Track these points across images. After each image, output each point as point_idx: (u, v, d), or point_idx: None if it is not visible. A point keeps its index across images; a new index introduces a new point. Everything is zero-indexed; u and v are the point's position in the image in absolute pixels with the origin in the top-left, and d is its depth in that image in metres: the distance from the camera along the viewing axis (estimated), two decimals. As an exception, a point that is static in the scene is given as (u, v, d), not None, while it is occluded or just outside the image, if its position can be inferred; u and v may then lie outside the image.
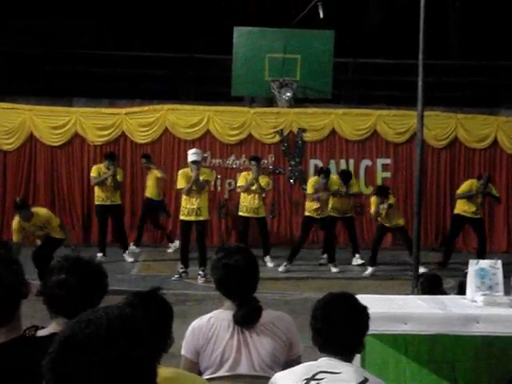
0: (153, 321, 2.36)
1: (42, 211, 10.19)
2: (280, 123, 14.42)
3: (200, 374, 3.33)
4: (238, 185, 12.62)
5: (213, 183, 13.39)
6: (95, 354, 1.42)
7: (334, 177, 12.60)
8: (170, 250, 13.31)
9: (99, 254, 12.07)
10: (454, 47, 19.66)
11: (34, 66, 15.90)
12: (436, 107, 14.22)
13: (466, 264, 4.71)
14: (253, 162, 12.28)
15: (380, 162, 14.68)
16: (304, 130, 14.48)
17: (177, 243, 13.25)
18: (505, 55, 16.23)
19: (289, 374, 2.89)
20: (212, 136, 14.39)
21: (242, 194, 12.32)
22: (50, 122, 14.12)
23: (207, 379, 3.19)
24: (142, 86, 16.20)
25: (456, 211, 12.67)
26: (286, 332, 3.38)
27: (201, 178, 10.79)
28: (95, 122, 14.20)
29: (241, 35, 14.70)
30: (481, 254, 11.55)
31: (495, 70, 16.88)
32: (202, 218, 10.95)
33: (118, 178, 12.22)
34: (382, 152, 14.69)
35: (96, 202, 12.50)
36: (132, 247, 13.19)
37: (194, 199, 10.85)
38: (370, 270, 11.75)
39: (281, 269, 11.86)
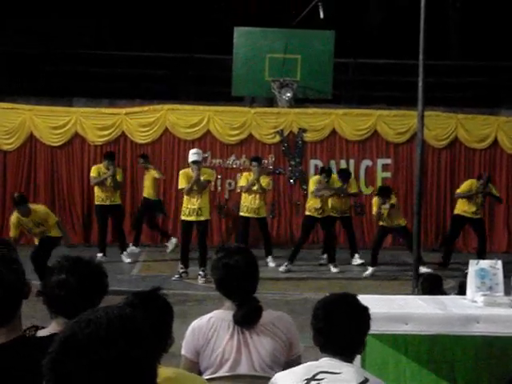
0: (153, 321, 2.36)
1: (40, 208, 10.25)
2: (280, 123, 14.42)
3: (200, 373, 3.33)
4: (240, 185, 12.63)
5: (213, 183, 13.38)
6: (95, 354, 1.42)
7: (335, 176, 12.61)
8: (169, 249, 13.30)
9: (99, 254, 12.07)
10: (454, 47, 19.66)
11: (34, 66, 15.90)
12: (436, 107, 14.22)
13: (466, 264, 4.71)
14: (254, 163, 12.28)
15: (380, 162, 14.68)
16: (304, 130, 14.48)
17: (173, 240, 13.30)
18: (505, 55, 16.23)
19: (289, 374, 2.89)
20: (212, 136, 14.39)
21: (243, 195, 12.33)
22: (50, 122, 14.12)
23: (207, 379, 3.19)
24: (142, 86, 16.20)
25: (456, 211, 12.66)
26: (286, 332, 3.38)
27: (202, 178, 10.79)
28: (95, 122, 14.20)
29: (241, 35, 14.71)
30: (481, 254, 11.55)
31: (495, 71, 16.88)
32: (202, 218, 10.95)
33: (118, 177, 12.22)
34: (383, 152, 14.69)
35: (96, 202, 12.50)
36: (132, 247, 13.20)
37: (195, 199, 10.85)
38: (370, 270, 11.75)
39: (281, 269, 11.86)
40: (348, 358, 2.90)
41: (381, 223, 11.85)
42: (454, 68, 17.08)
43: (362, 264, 12.34)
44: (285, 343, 3.36)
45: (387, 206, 11.56)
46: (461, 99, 15.49)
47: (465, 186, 12.54)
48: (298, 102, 14.71)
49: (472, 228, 12.97)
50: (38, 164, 14.22)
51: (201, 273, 10.84)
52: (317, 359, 2.91)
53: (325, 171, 12.26)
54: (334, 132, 14.56)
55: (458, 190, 12.71)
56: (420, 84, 8.97)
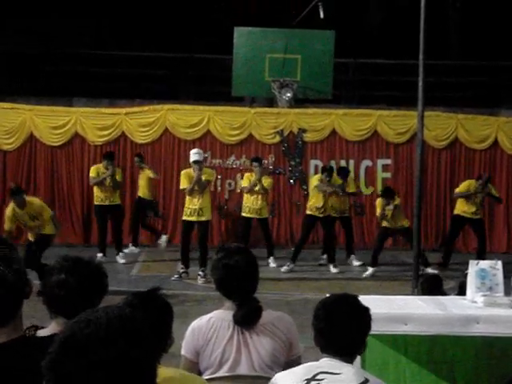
0: (153, 321, 2.36)
1: (35, 200, 10.30)
2: (280, 123, 14.43)
3: (200, 374, 3.33)
4: (242, 186, 12.65)
5: (213, 183, 13.39)
6: (95, 354, 1.42)
7: (336, 176, 12.61)
8: (162, 246, 13.31)
9: (99, 255, 12.07)
10: (454, 47, 19.67)
11: (34, 66, 15.90)
12: (436, 107, 14.22)
13: (466, 264, 4.71)
14: (255, 164, 12.29)
15: (380, 162, 14.68)
16: (304, 131, 14.49)
17: (164, 237, 13.35)
18: (505, 55, 16.23)
19: (289, 375, 2.89)
20: (212, 136, 14.39)
21: (245, 195, 12.35)
22: (50, 122, 14.13)
23: (207, 379, 3.19)
24: (142, 86, 16.20)
25: (456, 212, 12.66)
26: (286, 332, 3.38)
27: (203, 178, 10.80)
28: (95, 122, 14.20)
29: (241, 35, 14.71)
30: (481, 255, 11.54)
31: (495, 71, 16.88)
32: (203, 219, 10.95)
33: (117, 177, 12.22)
34: (383, 152, 14.69)
35: (95, 203, 12.49)
36: (131, 247, 13.22)
37: (196, 199, 10.86)
38: (370, 270, 11.75)
39: (283, 269, 11.87)
40: (348, 358, 2.90)
41: (384, 224, 11.84)
42: (454, 68, 17.08)
43: (362, 264, 12.35)
44: (285, 343, 3.36)
45: (391, 207, 11.55)
46: (461, 99, 15.49)
47: (463, 186, 12.54)
48: (298, 102, 14.71)
49: (472, 228, 12.96)
50: (38, 164, 14.22)
51: (200, 273, 10.84)
52: (317, 359, 2.91)
53: (326, 170, 12.27)
54: (334, 132, 14.56)
55: (457, 190, 12.73)
56: (420, 84, 8.97)
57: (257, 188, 12.11)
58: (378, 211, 11.83)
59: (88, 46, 17.05)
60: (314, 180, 12.25)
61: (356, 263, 12.56)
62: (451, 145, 14.69)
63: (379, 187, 14.54)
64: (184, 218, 11.11)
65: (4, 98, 14.32)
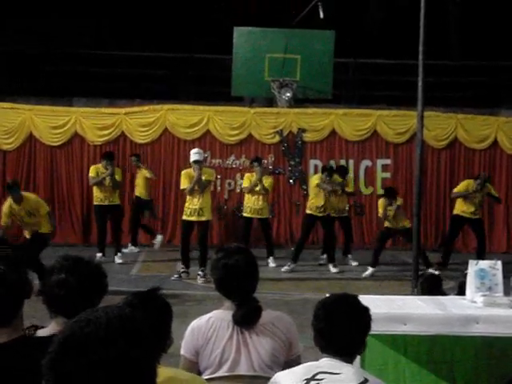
0: (152, 321, 2.36)
1: (32, 196, 10.34)
2: (280, 123, 14.43)
3: (199, 373, 3.33)
4: (243, 186, 12.66)
5: (212, 183, 13.39)
6: (94, 354, 1.42)
7: (336, 176, 12.60)
8: (157, 246, 13.33)
9: (99, 254, 12.06)
10: (454, 47, 19.67)
11: (34, 66, 15.90)
12: (436, 107, 14.22)
13: (466, 264, 4.71)
14: (255, 164, 12.30)
15: (380, 162, 14.68)
16: (304, 131, 14.49)
17: (159, 237, 13.37)
18: (505, 55, 16.23)
19: (289, 374, 2.89)
20: (212, 136, 14.39)
21: (246, 195, 12.36)
22: (50, 122, 14.13)
23: (206, 379, 3.19)
24: (142, 86, 16.20)
25: (455, 212, 12.67)
26: (286, 332, 3.38)
27: (203, 178, 10.80)
28: (95, 121, 14.20)
29: (241, 35, 14.71)
30: (480, 255, 11.53)
31: (495, 71, 16.88)
32: (203, 219, 10.95)
33: (117, 177, 12.21)
34: (382, 152, 14.70)
35: (94, 203, 12.48)
36: (131, 247, 13.24)
37: (196, 199, 10.86)
38: (370, 270, 11.74)
39: (284, 269, 11.87)
40: (348, 358, 2.90)
41: (386, 224, 11.84)
42: (453, 68, 17.09)
43: (357, 265, 12.39)
44: (284, 343, 3.36)
45: (393, 207, 11.54)
46: (460, 99, 15.50)
47: (462, 185, 12.55)
48: (297, 102, 14.72)
49: (471, 228, 12.96)
50: (38, 164, 14.22)
51: (200, 273, 10.84)
52: (317, 359, 2.91)
53: (326, 170, 12.27)
54: (333, 132, 14.56)
55: (455, 190, 12.74)
56: (420, 84, 8.97)
57: (257, 188, 12.12)
58: (380, 211, 11.83)
59: (88, 46, 17.05)
60: (315, 179, 12.25)
61: (352, 263, 12.57)
62: (451, 145, 14.69)
63: (379, 187, 14.56)
64: (184, 217, 11.11)
65: (4, 97, 14.32)
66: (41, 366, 1.46)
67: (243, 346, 3.32)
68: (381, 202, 11.91)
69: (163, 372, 2.61)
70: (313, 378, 2.76)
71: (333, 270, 11.94)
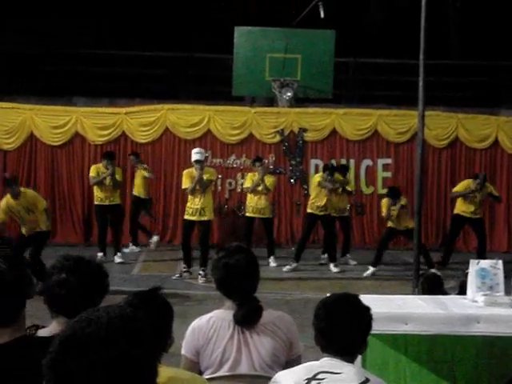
0: (153, 320, 2.36)
1: (29, 191, 10.36)
2: (281, 123, 14.42)
3: (200, 373, 3.32)
4: (245, 186, 12.66)
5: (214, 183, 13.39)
6: (95, 354, 1.42)
7: (338, 175, 12.60)
8: (152, 246, 13.30)
9: (99, 254, 12.07)
10: (454, 47, 19.67)
11: (35, 66, 15.90)
12: (437, 107, 14.22)
13: (467, 264, 4.71)
14: (257, 164, 12.31)
15: (381, 161, 14.68)
16: (305, 130, 14.48)
17: (155, 237, 13.36)
18: (505, 55, 16.23)
19: (290, 374, 2.89)
20: (212, 136, 14.39)
21: (249, 195, 12.37)
22: (51, 122, 14.12)
23: (207, 379, 3.19)
24: (143, 86, 16.20)
25: (455, 211, 12.67)
26: (287, 332, 3.37)
27: (204, 178, 10.80)
28: (95, 121, 14.20)
29: (241, 35, 14.71)
30: (481, 254, 11.53)
31: (496, 70, 16.88)
32: (205, 218, 10.96)
33: (117, 177, 12.21)
34: (383, 152, 14.69)
35: (95, 202, 12.49)
36: (131, 247, 13.24)
37: (198, 199, 10.86)
38: (371, 270, 11.73)
39: (286, 268, 11.87)
40: (349, 358, 2.89)
41: (389, 224, 11.83)
42: (454, 68, 17.08)
43: (355, 264, 12.40)
44: (285, 343, 3.36)
45: (397, 206, 11.53)
46: (461, 99, 15.49)
47: (461, 185, 12.56)
48: (298, 101, 14.71)
49: (471, 228, 12.96)
50: (39, 163, 14.22)
51: (201, 272, 10.84)
52: (317, 359, 2.91)
53: (328, 168, 12.27)
54: (334, 132, 14.56)
55: (454, 190, 12.75)
56: (420, 84, 8.97)
57: (260, 188, 12.14)
58: (384, 211, 11.81)
59: (88, 45, 17.05)
60: (316, 178, 12.25)
61: (351, 262, 12.58)
62: (452, 144, 14.69)
63: (380, 187, 14.56)
64: (185, 217, 11.12)
65: (4, 97, 14.31)
66: (42, 366, 1.46)
67: (244, 345, 3.32)
68: (384, 201, 11.90)
69: (164, 372, 2.61)
70: (314, 378, 2.76)
71: (334, 269, 11.94)
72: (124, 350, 1.44)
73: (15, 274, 2.36)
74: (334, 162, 13.97)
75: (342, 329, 2.90)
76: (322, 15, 14.68)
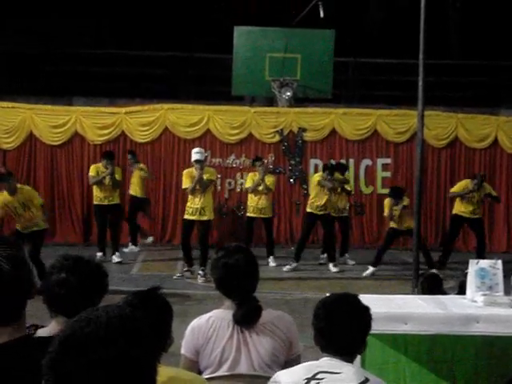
0: (152, 320, 2.36)
1: (26, 187, 10.38)
2: (280, 123, 14.42)
3: (200, 373, 3.33)
4: (246, 186, 12.66)
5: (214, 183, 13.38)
6: (95, 354, 1.42)
7: (338, 174, 12.60)
8: (125, 249, 13.15)
9: (99, 254, 12.08)
10: (454, 47, 19.67)
11: (35, 66, 15.90)
12: (436, 107, 14.23)
13: (466, 264, 4.71)
14: (257, 163, 12.32)
15: (380, 161, 14.68)
16: (304, 130, 14.48)
17: (150, 238, 13.33)
18: (505, 55, 16.23)
19: (289, 374, 2.89)
20: (212, 135, 14.39)
21: (250, 195, 12.37)
22: (50, 121, 14.12)
23: (207, 378, 3.19)
24: (142, 86, 16.20)
25: (454, 211, 12.66)
26: (286, 331, 3.37)
27: (204, 177, 10.80)
28: (95, 121, 14.20)
29: (241, 35, 14.71)
30: (480, 254, 11.52)
31: (495, 70, 16.88)
32: (205, 218, 10.96)
33: (117, 176, 12.21)
34: (383, 152, 14.69)
35: (94, 202, 12.48)
36: (131, 247, 13.24)
37: (198, 199, 10.86)
38: (370, 269, 11.73)
39: (286, 268, 11.87)
40: (348, 357, 2.89)
41: (391, 225, 11.82)
42: (454, 67, 17.08)
43: (354, 264, 12.42)
44: (284, 342, 3.36)
45: (399, 206, 11.52)
46: (461, 99, 15.50)
47: (459, 185, 12.56)
48: (297, 101, 14.71)
49: (470, 228, 12.96)
50: (38, 163, 14.21)
51: (200, 272, 10.85)
52: (317, 359, 2.91)
53: (328, 168, 12.27)
54: (333, 131, 14.56)
55: (452, 190, 12.75)
56: (420, 83, 8.97)
57: (261, 188, 12.14)
58: (386, 211, 11.81)
59: (88, 45, 17.05)
60: (316, 178, 12.25)
61: (349, 262, 12.59)
62: (451, 144, 14.69)
63: (379, 186, 14.57)
64: (185, 216, 11.13)
65: (4, 97, 14.31)
66: (41, 366, 1.46)
67: (243, 345, 3.32)
68: (387, 201, 11.90)
69: (165, 372, 2.61)
70: (313, 378, 2.76)
71: (333, 269, 11.94)
72: (123, 349, 1.44)
73: (18, 274, 2.36)
74: (333, 161, 13.96)
75: (342, 329, 2.90)
76: (322, 15, 14.68)
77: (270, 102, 15.03)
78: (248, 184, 12.46)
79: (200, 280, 10.79)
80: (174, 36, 18.62)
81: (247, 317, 3.30)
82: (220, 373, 3.32)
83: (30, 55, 16.10)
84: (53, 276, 2.64)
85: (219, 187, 14.32)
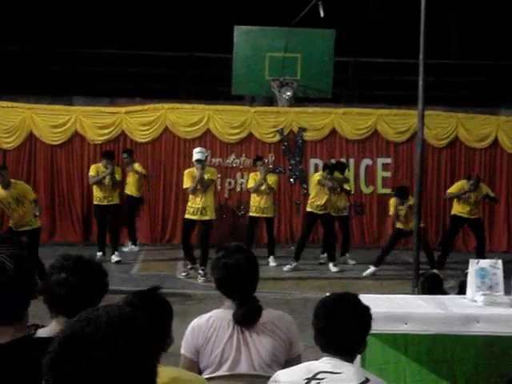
0: (152, 320, 2.36)
1: (20, 182, 10.40)
2: (280, 122, 14.42)
3: (200, 372, 3.33)
4: (248, 186, 12.66)
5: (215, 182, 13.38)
6: (95, 353, 1.42)
7: (338, 174, 12.60)
8: (132, 249, 13.17)
9: (99, 253, 12.08)
10: (454, 47, 19.67)
11: (34, 65, 15.89)
12: (436, 107, 14.22)
13: (466, 264, 4.70)
14: (258, 163, 12.33)
15: (380, 161, 14.67)
16: (304, 130, 14.48)
17: (134, 247, 13.22)
18: (505, 55, 16.23)
19: (290, 373, 2.89)
20: (212, 135, 14.38)
21: (252, 195, 12.37)
22: (50, 121, 14.11)
23: (207, 378, 3.19)
24: (142, 85, 16.20)
25: (453, 212, 12.67)
26: (286, 331, 3.37)
27: (205, 177, 10.80)
28: (95, 120, 14.19)
29: (241, 34, 14.71)
30: (480, 254, 11.51)
31: (496, 70, 16.88)
32: (206, 218, 10.96)
33: (117, 176, 12.21)
34: (383, 151, 14.69)
35: (94, 202, 12.48)
36: (131, 246, 13.24)
37: (199, 199, 10.87)
38: (372, 269, 11.71)
39: (286, 268, 11.88)
40: (349, 357, 2.89)
41: (397, 225, 11.80)
42: (454, 67, 17.08)
43: (354, 264, 12.42)
44: (285, 342, 3.36)
45: (405, 206, 11.50)
46: (461, 98, 15.49)
47: (455, 186, 12.57)
48: (298, 100, 14.71)
49: (470, 228, 12.96)
50: (38, 163, 14.21)
51: (201, 272, 10.85)
52: (317, 359, 2.91)
53: (328, 167, 12.28)
54: (334, 131, 14.55)
55: (449, 191, 12.76)
56: (420, 83, 8.97)
57: (263, 188, 12.14)
58: (392, 210, 11.80)
59: (88, 45, 17.04)
60: (316, 177, 12.25)
61: (350, 262, 12.59)
62: (451, 144, 14.69)
63: (379, 186, 14.57)
64: (186, 216, 11.13)
65: (4, 96, 14.30)
66: (41, 366, 1.46)
67: (243, 345, 3.32)
68: (392, 201, 11.89)
69: (168, 372, 2.61)
70: (313, 378, 2.76)
71: (333, 269, 11.94)
72: (123, 349, 1.44)
73: (21, 273, 2.36)
74: (333, 160, 13.96)
75: (342, 328, 2.90)
76: (322, 14, 14.67)
77: (270, 101, 15.02)
78: (250, 184, 12.46)
79: (200, 280, 10.79)
80: (174, 36, 18.62)
81: (247, 317, 3.30)
82: (220, 373, 3.32)
83: (30, 55, 16.09)
84: (53, 276, 2.64)
85: (219, 187, 14.31)
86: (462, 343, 4.48)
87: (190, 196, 11.00)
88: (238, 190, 14.28)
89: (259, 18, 16.32)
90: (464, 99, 15.46)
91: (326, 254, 12.41)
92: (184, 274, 11.15)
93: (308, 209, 12.18)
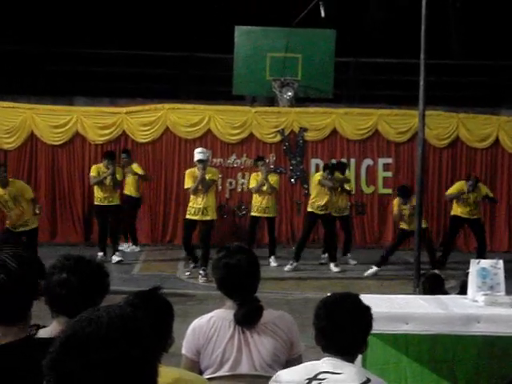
0: (153, 320, 2.36)
1: (18, 181, 10.42)
2: (281, 122, 14.41)
3: (200, 373, 3.33)
4: (250, 186, 12.67)
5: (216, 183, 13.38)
6: (96, 354, 1.42)
7: (338, 174, 12.60)
8: (127, 249, 13.12)
9: (100, 254, 12.07)
10: (455, 47, 19.65)
11: (35, 66, 15.89)
12: (437, 107, 14.22)
13: (467, 264, 4.70)
14: (260, 163, 12.33)
15: (381, 161, 14.67)
16: (305, 130, 14.47)
17: (137, 248, 13.20)
18: (506, 55, 16.22)
19: (291, 373, 2.89)
20: (213, 135, 14.38)
21: (254, 195, 12.38)
22: (51, 121, 14.11)
23: (208, 379, 3.19)
24: (143, 85, 16.20)
25: (452, 212, 12.67)
26: (287, 331, 3.37)
27: (207, 177, 10.80)
28: (96, 121, 14.19)
29: (242, 34, 14.71)
30: (481, 254, 11.50)
31: (497, 70, 16.87)
32: (207, 218, 10.96)
33: (118, 176, 12.21)
34: (384, 151, 14.68)
35: (95, 203, 12.48)
36: (132, 246, 13.24)
37: (201, 199, 10.87)
38: (373, 269, 11.70)
39: (287, 268, 11.88)
40: (350, 357, 2.89)
41: (401, 226, 11.79)
42: (455, 67, 17.07)
43: (355, 264, 12.41)
44: (285, 342, 3.36)
45: (408, 206, 11.48)
46: (462, 98, 15.48)
47: (454, 187, 12.56)
48: (298, 101, 14.70)
49: (470, 228, 12.96)
50: (39, 163, 14.21)
51: (201, 272, 10.85)
52: (318, 359, 2.90)
53: (328, 167, 12.28)
54: (334, 131, 14.54)
55: (448, 192, 12.75)
56: (421, 83, 8.97)
57: (265, 188, 12.14)
58: (395, 210, 11.80)
59: (88, 45, 17.03)
60: (316, 177, 12.25)
61: (351, 262, 12.59)
62: (452, 144, 14.68)
63: (380, 186, 14.57)
64: (187, 216, 11.13)
65: (4, 97, 14.30)
66: (42, 367, 1.46)
67: (244, 345, 3.32)
68: (395, 201, 11.89)
69: (169, 372, 2.62)
70: (314, 378, 2.76)
71: (334, 269, 11.94)
72: (124, 349, 1.44)
73: (24, 273, 2.36)
74: (334, 160, 13.96)
75: (343, 328, 2.89)
76: (323, 15, 14.67)
77: (271, 101, 15.02)
78: (252, 184, 12.45)
79: (201, 280, 10.79)
80: (175, 36, 18.61)
81: (248, 317, 3.30)
82: (221, 373, 3.32)
83: (31, 55, 16.09)
84: (54, 276, 2.64)
85: (220, 187, 14.31)
86: (463, 343, 4.48)
87: (192, 196, 11.00)
88: (239, 190, 14.28)
89: (260, 18, 16.32)
90: (465, 99, 15.45)
91: (326, 254, 12.40)
92: (188, 273, 11.16)
93: (309, 209, 12.18)
